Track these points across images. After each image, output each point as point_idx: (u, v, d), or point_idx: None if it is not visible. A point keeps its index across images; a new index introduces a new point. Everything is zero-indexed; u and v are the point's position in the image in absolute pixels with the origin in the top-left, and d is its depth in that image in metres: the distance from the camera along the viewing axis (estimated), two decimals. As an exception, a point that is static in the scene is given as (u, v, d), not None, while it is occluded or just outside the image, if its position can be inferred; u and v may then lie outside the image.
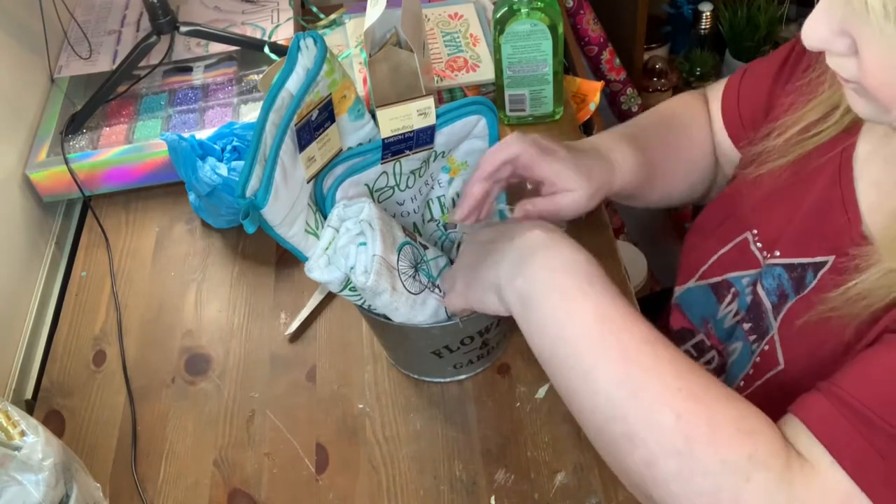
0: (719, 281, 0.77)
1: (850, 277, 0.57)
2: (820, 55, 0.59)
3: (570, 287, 0.59)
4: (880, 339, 0.55)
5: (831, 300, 0.58)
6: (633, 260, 1.57)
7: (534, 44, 0.98)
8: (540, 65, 1.00)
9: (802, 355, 0.65)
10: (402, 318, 0.74)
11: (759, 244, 0.72)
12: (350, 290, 0.73)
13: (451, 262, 0.80)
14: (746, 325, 0.72)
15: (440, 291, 0.76)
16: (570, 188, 0.71)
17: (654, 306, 0.98)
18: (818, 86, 0.67)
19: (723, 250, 0.76)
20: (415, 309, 0.74)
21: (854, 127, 0.66)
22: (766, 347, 0.69)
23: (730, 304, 0.76)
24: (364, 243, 0.69)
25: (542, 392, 0.83)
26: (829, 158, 0.67)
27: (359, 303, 0.75)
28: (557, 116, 1.08)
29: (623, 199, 0.82)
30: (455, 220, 0.74)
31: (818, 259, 0.65)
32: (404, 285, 0.72)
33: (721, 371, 0.79)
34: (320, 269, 0.70)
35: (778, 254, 0.69)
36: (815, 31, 0.52)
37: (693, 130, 0.85)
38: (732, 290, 0.75)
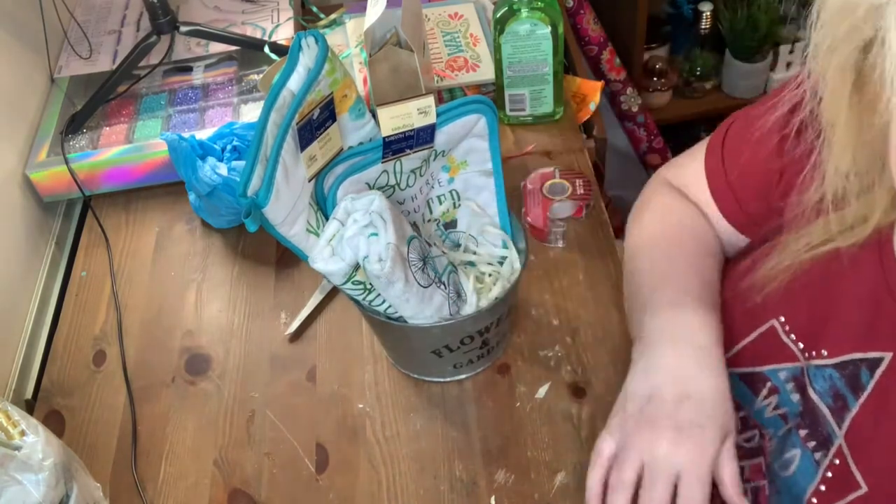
0: (751, 373, 0.69)
1: None
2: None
3: None
4: None
5: None
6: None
7: (534, 44, 0.98)
8: (540, 65, 1.00)
9: (889, 481, 0.57)
10: (412, 310, 0.74)
11: (792, 336, 0.65)
12: (353, 283, 0.73)
13: (452, 263, 0.80)
14: (803, 432, 0.64)
15: (445, 287, 0.76)
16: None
17: None
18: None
19: (747, 340, 0.69)
20: (423, 302, 0.74)
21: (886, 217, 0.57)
22: (837, 462, 0.61)
23: (766, 398, 0.68)
24: (375, 234, 0.69)
25: (542, 392, 0.83)
26: (865, 247, 0.59)
27: (360, 298, 0.75)
28: (557, 116, 1.08)
29: None
30: None
31: (871, 355, 0.58)
32: (415, 277, 0.72)
33: (759, 451, 0.70)
34: (324, 259, 0.70)
35: (825, 353, 0.61)
36: None
37: (711, 242, 0.76)
38: (769, 384, 0.68)
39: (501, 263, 0.84)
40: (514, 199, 0.98)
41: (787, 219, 0.64)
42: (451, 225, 0.85)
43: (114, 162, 1.06)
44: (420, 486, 0.78)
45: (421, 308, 0.74)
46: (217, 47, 1.18)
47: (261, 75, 0.96)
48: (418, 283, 0.73)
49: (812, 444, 0.63)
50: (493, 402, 0.83)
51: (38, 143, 1.08)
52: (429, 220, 0.84)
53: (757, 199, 0.70)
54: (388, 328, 0.79)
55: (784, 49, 1.83)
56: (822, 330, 0.62)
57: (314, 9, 1.30)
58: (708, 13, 1.87)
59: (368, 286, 0.74)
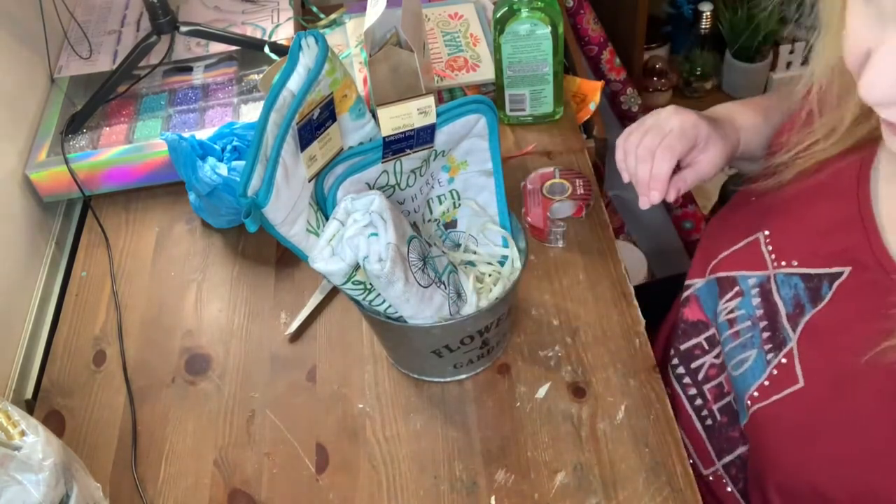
0: (727, 277, 0.77)
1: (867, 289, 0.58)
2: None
3: None
4: None
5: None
6: (633, 260, 1.57)
7: (534, 44, 0.98)
8: (540, 65, 1.00)
9: (824, 378, 0.65)
10: (412, 310, 0.74)
11: (769, 247, 0.73)
12: (353, 283, 0.73)
13: (452, 263, 0.80)
14: (764, 334, 0.72)
15: (445, 287, 0.76)
16: (711, 152, 0.78)
17: (655, 295, 0.98)
18: (811, 116, 0.69)
19: (734, 247, 0.77)
20: (423, 302, 0.74)
21: (862, 143, 0.66)
22: (784, 360, 0.68)
23: (729, 300, 0.76)
24: (375, 234, 0.69)
25: (542, 392, 0.83)
26: (843, 173, 0.67)
27: (360, 298, 0.75)
28: (557, 116, 1.08)
29: (745, 162, 0.86)
30: (652, 202, 0.77)
31: (834, 270, 0.65)
32: (415, 277, 0.72)
33: (722, 369, 0.79)
34: (324, 259, 0.70)
35: (795, 263, 0.69)
36: (879, 90, 0.51)
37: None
38: (736, 288, 0.76)
39: (501, 263, 0.84)
40: (514, 199, 0.98)
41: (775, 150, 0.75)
42: (451, 225, 0.85)
43: (114, 162, 1.06)
44: (420, 486, 0.78)
45: (421, 308, 0.74)
46: (217, 47, 1.18)
47: (261, 75, 0.97)
48: (418, 283, 0.73)
49: (769, 346, 0.71)
50: (493, 402, 0.83)
51: (38, 143, 1.08)
52: (429, 220, 0.84)
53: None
54: (388, 328, 0.79)
55: (784, 49, 1.83)
56: (796, 243, 0.70)
57: (314, 9, 1.30)
58: (708, 13, 1.88)
59: (368, 286, 0.74)
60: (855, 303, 0.63)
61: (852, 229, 0.65)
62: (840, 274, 0.65)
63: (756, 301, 0.73)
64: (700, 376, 0.82)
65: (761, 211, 0.76)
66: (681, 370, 0.84)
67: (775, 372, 0.69)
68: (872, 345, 0.59)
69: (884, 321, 0.59)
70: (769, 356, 0.71)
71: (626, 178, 0.79)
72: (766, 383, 0.70)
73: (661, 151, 0.75)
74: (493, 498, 0.76)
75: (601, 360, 0.85)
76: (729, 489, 0.80)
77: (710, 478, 0.81)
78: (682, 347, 0.84)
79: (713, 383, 0.81)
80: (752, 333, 0.73)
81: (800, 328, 0.67)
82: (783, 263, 0.71)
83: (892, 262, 0.61)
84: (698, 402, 0.82)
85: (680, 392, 0.84)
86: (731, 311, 0.76)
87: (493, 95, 1.09)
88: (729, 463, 0.80)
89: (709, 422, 0.81)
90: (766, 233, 0.74)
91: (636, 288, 0.92)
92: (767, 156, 0.76)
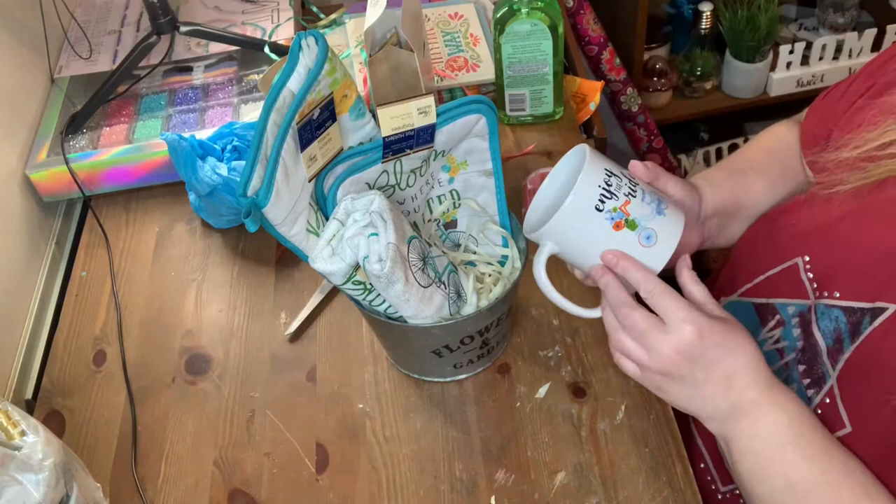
0: (765, 304, 0.73)
1: None
2: None
3: (764, 452, 0.61)
4: None
5: None
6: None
7: (534, 44, 0.99)
8: (540, 64, 1.00)
9: (872, 423, 0.61)
10: (412, 310, 0.74)
11: (810, 274, 0.68)
12: (353, 283, 0.73)
13: (452, 263, 0.80)
14: (801, 367, 0.68)
15: (445, 287, 0.76)
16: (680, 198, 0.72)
17: None
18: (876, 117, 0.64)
19: (771, 272, 0.73)
20: (423, 302, 0.74)
21: None
22: (828, 401, 0.65)
23: (772, 329, 0.73)
24: (375, 234, 0.69)
25: (542, 392, 0.83)
26: (892, 202, 0.63)
27: (360, 298, 0.75)
28: (557, 116, 1.08)
29: (723, 226, 0.80)
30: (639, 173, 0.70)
31: (878, 305, 0.61)
32: (415, 277, 0.72)
33: None
34: (324, 259, 0.70)
35: (838, 295, 0.65)
36: None
37: (789, 157, 0.82)
38: (777, 317, 0.72)
39: (501, 263, 0.84)
40: (514, 199, 0.98)
41: (818, 171, 0.69)
42: (451, 225, 0.85)
43: (114, 162, 1.06)
44: (420, 486, 0.78)
45: (421, 308, 0.74)
46: (217, 47, 1.18)
47: (261, 75, 0.96)
48: (418, 283, 0.73)
49: (808, 380, 0.67)
50: (493, 402, 0.83)
51: (38, 143, 1.08)
52: (429, 220, 0.84)
53: (825, 126, 0.75)
54: (388, 328, 0.79)
55: (784, 49, 1.83)
56: (839, 273, 0.65)
57: (314, 9, 1.30)
58: (708, 13, 1.87)
59: (368, 286, 0.74)
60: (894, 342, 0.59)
61: None
62: (883, 310, 0.60)
63: (796, 332, 0.69)
64: None
65: (800, 233, 0.70)
66: None
67: (819, 412, 0.65)
68: None
69: None
70: (809, 392, 0.67)
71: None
72: None
73: None
74: (493, 498, 0.76)
75: (601, 360, 0.85)
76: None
77: (727, 495, 0.78)
78: None
79: None
80: (793, 366, 0.70)
81: (839, 366, 0.63)
82: (825, 294, 0.66)
83: None
84: None
85: None
86: (777, 341, 0.72)
87: (493, 95, 1.09)
88: None
89: None
90: (807, 258, 0.69)
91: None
92: (829, 150, 0.69)
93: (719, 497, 0.79)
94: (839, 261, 0.65)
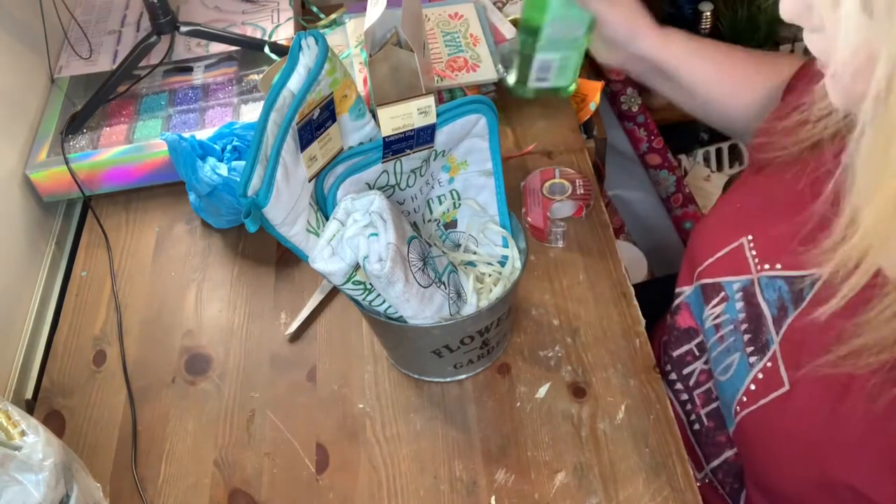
0: (712, 283, 0.77)
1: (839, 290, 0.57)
2: None
3: None
4: None
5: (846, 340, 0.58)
6: (633, 260, 1.57)
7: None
8: (577, 26, 0.92)
9: (809, 381, 0.64)
10: (412, 311, 0.74)
11: (753, 251, 0.72)
12: (353, 283, 0.73)
13: (452, 263, 0.80)
14: (746, 337, 0.72)
15: (445, 287, 0.76)
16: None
17: (655, 294, 0.97)
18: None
19: (720, 253, 0.76)
20: (423, 302, 0.74)
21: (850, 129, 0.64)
22: (770, 365, 0.68)
23: (715, 306, 0.76)
24: (375, 234, 0.69)
25: (542, 392, 0.83)
26: (825, 162, 0.64)
27: (360, 298, 0.75)
28: (571, 89, 1.02)
29: (665, 80, 0.87)
30: None
31: (814, 272, 0.64)
32: (415, 277, 0.72)
33: (711, 375, 0.78)
34: (324, 259, 0.70)
35: (779, 266, 0.69)
36: (788, 3, 0.52)
37: (774, 58, 0.86)
38: (721, 293, 0.75)
39: (502, 263, 0.84)
40: (514, 199, 0.98)
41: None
42: (451, 225, 0.85)
43: (114, 162, 1.06)
44: (420, 486, 0.78)
45: (421, 308, 0.74)
46: (217, 47, 1.18)
47: (261, 75, 0.96)
48: (418, 283, 0.73)
49: (751, 348, 0.70)
50: (493, 402, 0.83)
51: (38, 143, 1.08)
52: (429, 220, 0.84)
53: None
54: (388, 328, 0.79)
55: (784, 49, 1.83)
56: (779, 246, 0.69)
57: (314, 9, 1.30)
58: (708, 13, 1.87)
59: (368, 286, 0.74)
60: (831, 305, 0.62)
61: (827, 227, 0.62)
62: (819, 277, 0.64)
63: (739, 305, 0.73)
64: (691, 382, 0.82)
65: (745, 215, 0.75)
66: (673, 376, 0.84)
67: (761, 376, 0.69)
68: (845, 343, 0.58)
69: (858, 318, 0.58)
70: (752, 359, 0.70)
71: None
72: (753, 387, 0.70)
73: None
74: (493, 498, 0.76)
75: (601, 360, 0.85)
76: (720, 492, 0.80)
77: (705, 480, 0.81)
78: (675, 354, 0.84)
79: (702, 389, 0.81)
80: (734, 337, 0.73)
81: (782, 331, 0.67)
82: (766, 266, 0.70)
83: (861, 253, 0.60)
84: (688, 407, 0.82)
85: (672, 397, 0.84)
86: (717, 317, 0.76)
87: (493, 95, 1.09)
88: (716, 467, 0.80)
89: (696, 426, 0.81)
90: (750, 237, 0.73)
91: (636, 287, 0.92)
92: (771, 119, 0.73)
93: (697, 484, 0.80)
94: (780, 235, 0.69)
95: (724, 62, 0.85)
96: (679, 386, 0.84)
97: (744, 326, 0.72)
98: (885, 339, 0.55)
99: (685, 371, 0.83)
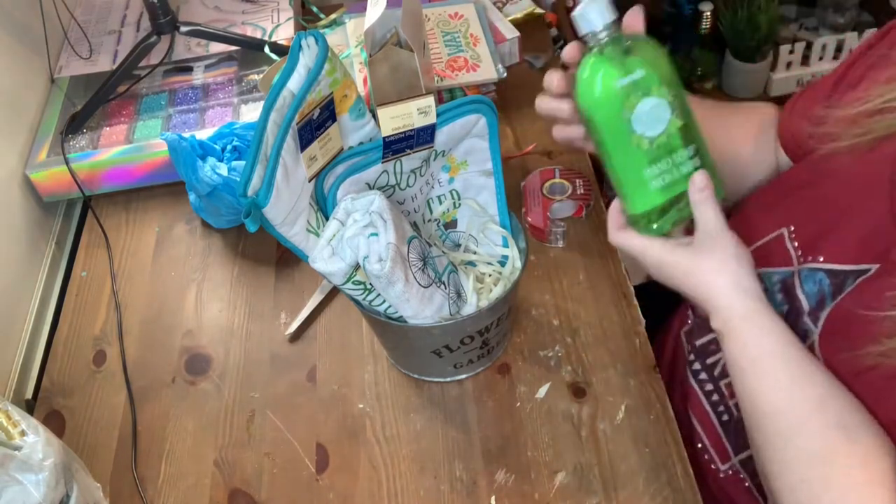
0: None
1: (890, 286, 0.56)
2: None
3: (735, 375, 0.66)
4: None
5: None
6: (633, 260, 1.56)
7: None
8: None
9: (843, 373, 0.63)
10: (412, 311, 0.74)
11: (795, 243, 0.70)
12: (353, 283, 0.73)
13: (452, 263, 0.80)
14: None
15: (445, 287, 0.76)
16: None
17: (655, 295, 0.97)
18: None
19: (759, 243, 0.74)
20: (423, 302, 0.74)
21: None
22: None
23: None
24: (375, 234, 0.69)
25: (542, 392, 0.83)
26: (876, 170, 0.64)
27: (360, 298, 0.75)
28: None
29: None
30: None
31: (862, 267, 0.63)
32: (415, 277, 0.72)
33: None
34: (324, 259, 0.70)
35: (822, 259, 0.67)
36: None
37: (752, 113, 0.83)
38: (762, 286, 0.73)
39: (502, 263, 0.84)
40: (514, 199, 0.98)
41: (818, 132, 0.69)
42: (451, 225, 0.85)
43: (114, 162, 1.06)
44: (420, 486, 0.78)
45: (421, 308, 0.74)
46: (217, 47, 1.18)
47: (261, 75, 0.96)
48: (418, 283, 0.73)
49: None
50: (493, 402, 0.83)
51: (38, 143, 1.08)
52: (429, 220, 0.85)
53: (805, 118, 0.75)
54: (388, 328, 0.79)
55: (784, 49, 1.83)
56: (824, 238, 0.66)
57: (314, 9, 1.30)
58: (708, 13, 1.87)
59: (368, 286, 0.74)
60: (876, 300, 0.60)
61: (882, 229, 0.62)
62: (866, 271, 0.62)
63: (780, 297, 0.71)
64: (716, 372, 0.80)
65: (786, 207, 0.72)
66: (697, 365, 0.83)
67: None
68: (877, 342, 0.58)
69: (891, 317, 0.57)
70: None
71: None
72: None
73: None
74: (493, 498, 0.76)
75: (601, 360, 0.85)
76: (746, 484, 0.80)
77: (729, 472, 0.80)
78: (698, 343, 0.83)
79: (729, 379, 0.79)
80: None
81: (821, 322, 0.65)
82: (809, 258, 0.68)
83: None
84: (715, 397, 0.81)
85: (696, 387, 0.83)
86: None
87: (493, 96, 1.09)
88: (747, 458, 0.78)
89: (725, 417, 0.80)
90: (792, 228, 0.71)
91: (636, 288, 0.92)
92: (831, 106, 0.70)
93: (721, 476, 0.80)
94: (823, 226, 0.67)
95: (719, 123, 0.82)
96: (704, 375, 0.82)
97: (783, 319, 0.70)
98: None
99: (709, 361, 0.81)
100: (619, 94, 0.62)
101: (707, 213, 0.65)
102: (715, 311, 0.66)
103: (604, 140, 0.65)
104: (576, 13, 0.63)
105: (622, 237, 0.71)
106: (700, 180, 0.65)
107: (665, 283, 0.70)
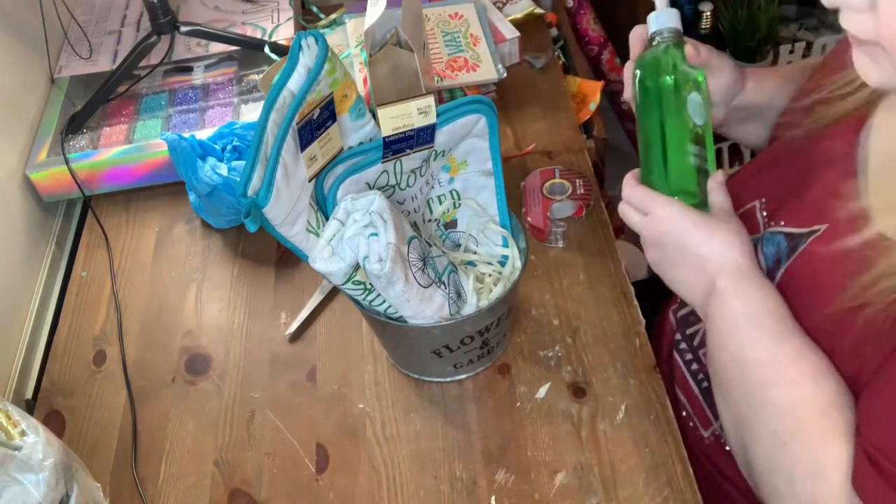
0: None
1: (839, 243, 0.60)
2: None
3: (721, 331, 0.69)
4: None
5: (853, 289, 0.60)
6: (634, 260, 1.56)
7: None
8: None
9: (804, 329, 0.66)
10: (412, 311, 0.74)
11: (764, 213, 0.74)
12: (353, 283, 0.73)
13: (452, 263, 0.80)
14: None
15: (445, 287, 0.76)
16: (720, 68, 0.79)
17: (655, 292, 0.97)
18: (844, 62, 0.68)
19: (737, 213, 0.78)
20: (423, 302, 0.74)
21: (869, 107, 0.67)
22: None
23: None
24: (375, 234, 0.69)
25: (542, 392, 0.83)
26: (840, 136, 0.68)
27: (360, 298, 0.75)
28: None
29: (749, 119, 0.87)
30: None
31: (814, 228, 0.67)
32: (415, 277, 0.72)
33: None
34: (324, 259, 0.70)
35: (783, 223, 0.71)
36: None
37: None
38: None
39: (502, 263, 0.84)
40: (514, 199, 0.98)
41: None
42: (451, 225, 0.85)
43: (114, 162, 1.06)
44: (420, 486, 0.78)
45: (421, 308, 0.74)
46: (217, 47, 1.18)
47: (261, 75, 0.96)
48: (418, 283, 0.73)
49: None
50: (493, 402, 0.83)
51: (38, 143, 1.08)
52: (429, 220, 0.85)
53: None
54: (388, 328, 0.79)
55: (784, 49, 1.83)
56: (785, 205, 0.72)
57: (314, 9, 1.30)
58: (708, 13, 1.87)
59: (368, 286, 0.74)
60: (827, 256, 0.64)
61: (833, 192, 0.66)
62: (817, 231, 0.66)
63: None
64: (695, 342, 0.83)
65: (759, 181, 0.77)
66: (678, 336, 0.86)
67: None
68: (840, 291, 0.60)
69: (850, 266, 0.60)
70: None
71: None
72: None
73: None
74: (493, 498, 0.76)
75: (601, 360, 0.85)
76: (727, 448, 0.81)
77: (711, 438, 0.81)
78: (679, 314, 0.86)
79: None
80: None
81: (776, 281, 0.69)
82: (772, 223, 0.72)
83: (864, 215, 0.62)
84: (694, 366, 0.83)
85: (677, 357, 0.85)
86: None
87: (493, 96, 1.09)
88: None
89: (704, 384, 0.82)
90: (763, 200, 0.75)
91: (636, 286, 0.92)
92: (794, 99, 0.78)
93: (706, 441, 0.82)
94: (787, 195, 0.72)
95: (797, 77, 0.86)
96: (684, 345, 0.85)
97: None
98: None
99: (689, 331, 0.84)
100: (683, 74, 0.72)
101: (721, 195, 0.73)
102: (720, 268, 0.69)
103: (661, 104, 0.73)
104: (656, 12, 0.73)
105: (641, 190, 0.75)
106: (720, 174, 0.74)
107: (662, 254, 0.72)
